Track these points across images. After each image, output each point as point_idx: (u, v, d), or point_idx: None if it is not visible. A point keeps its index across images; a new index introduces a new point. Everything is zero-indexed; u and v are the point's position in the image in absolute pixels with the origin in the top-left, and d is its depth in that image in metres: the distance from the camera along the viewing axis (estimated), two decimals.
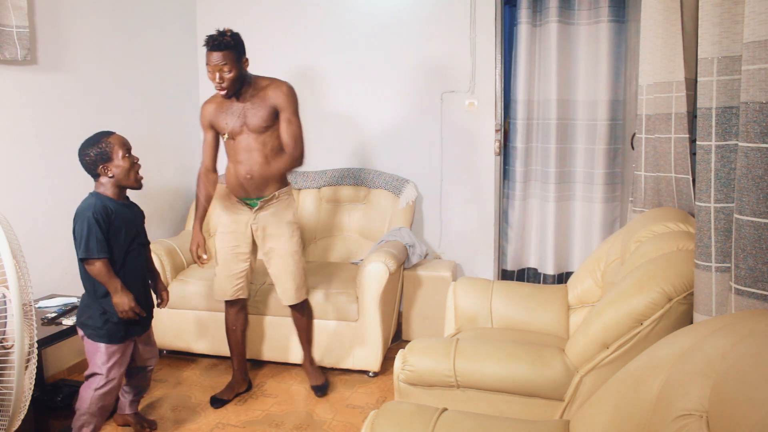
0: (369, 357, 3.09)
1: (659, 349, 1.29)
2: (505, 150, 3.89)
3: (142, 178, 2.39)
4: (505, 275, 3.93)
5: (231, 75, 2.56)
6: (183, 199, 3.99)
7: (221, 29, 2.58)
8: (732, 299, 1.36)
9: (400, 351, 1.95)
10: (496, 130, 3.73)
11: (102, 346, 2.28)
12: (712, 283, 1.49)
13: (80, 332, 2.33)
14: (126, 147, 2.33)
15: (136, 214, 2.43)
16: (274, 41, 3.98)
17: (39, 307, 2.70)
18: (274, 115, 2.68)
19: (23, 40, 2.73)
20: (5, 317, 1.75)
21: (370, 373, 3.14)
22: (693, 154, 1.97)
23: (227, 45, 2.53)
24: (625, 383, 1.31)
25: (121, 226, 2.29)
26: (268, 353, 3.22)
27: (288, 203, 2.81)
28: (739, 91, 1.37)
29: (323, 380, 2.99)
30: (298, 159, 2.70)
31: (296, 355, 3.15)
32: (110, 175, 2.29)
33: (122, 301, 2.24)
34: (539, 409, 1.80)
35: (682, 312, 1.65)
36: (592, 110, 3.63)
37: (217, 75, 2.55)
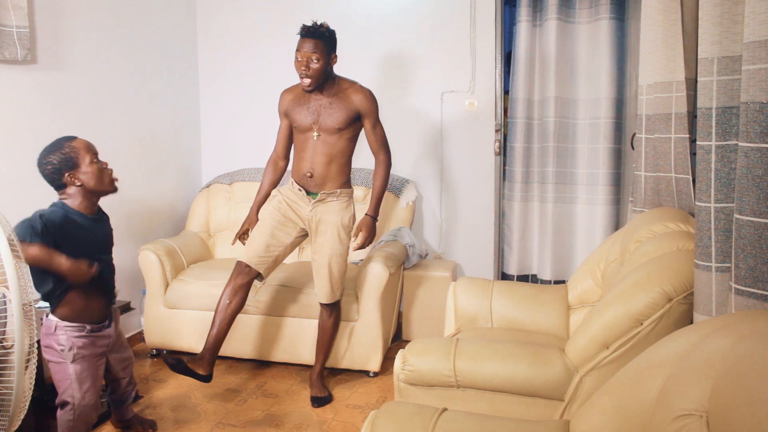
0: (369, 357, 3.09)
1: (659, 349, 1.29)
2: (504, 150, 3.88)
3: (116, 179, 2.20)
4: (506, 279, 3.89)
5: (318, 65, 2.57)
6: (183, 199, 3.99)
7: (317, 21, 2.64)
8: (732, 299, 1.36)
9: (400, 351, 1.95)
10: (496, 130, 3.73)
11: (70, 371, 2.13)
12: (712, 283, 1.49)
13: (46, 356, 2.15)
14: (92, 151, 2.13)
15: (106, 233, 2.24)
16: (274, 42, 3.97)
17: (39, 307, 2.69)
18: (352, 119, 2.71)
19: (23, 40, 2.73)
20: (5, 317, 1.75)
21: (370, 373, 3.14)
22: (693, 154, 1.97)
23: (321, 35, 2.58)
24: (625, 383, 1.31)
25: (81, 244, 2.07)
26: (274, 354, 3.21)
27: (347, 205, 2.80)
28: (739, 91, 1.37)
29: (326, 393, 2.91)
30: (389, 163, 2.83)
31: (296, 355, 3.15)
32: (78, 183, 2.09)
33: (73, 267, 1.96)
34: (539, 409, 1.80)
35: (682, 312, 1.65)
36: (592, 109, 3.61)
37: (305, 63, 2.57)
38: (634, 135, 2.70)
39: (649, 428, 1.15)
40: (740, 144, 1.31)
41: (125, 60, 3.46)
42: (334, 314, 2.91)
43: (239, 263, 2.78)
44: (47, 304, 2.70)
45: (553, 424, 1.54)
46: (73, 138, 2.14)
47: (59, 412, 2.19)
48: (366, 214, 2.84)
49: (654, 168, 2.34)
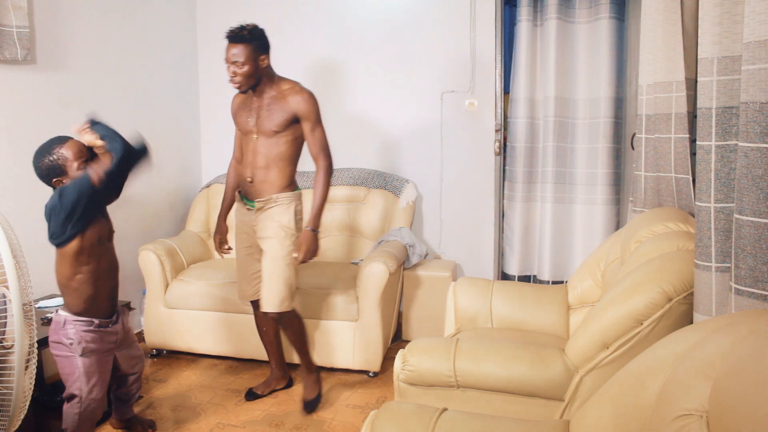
0: (369, 357, 3.09)
1: (659, 349, 1.29)
2: (505, 150, 3.88)
3: None
4: (506, 279, 3.88)
5: (243, 70, 2.52)
6: (183, 199, 3.99)
7: (244, 23, 2.56)
8: (732, 299, 1.36)
9: (400, 351, 1.95)
10: (496, 130, 3.73)
11: (79, 364, 2.17)
12: (712, 283, 1.49)
13: (54, 351, 2.21)
14: (82, 157, 2.10)
15: (109, 222, 2.29)
16: (274, 42, 3.96)
17: (39, 307, 2.70)
18: (290, 121, 2.61)
19: (23, 40, 2.73)
20: (5, 317, 1.75)
21: (370, 373, 3.14)
22: (693, 154, 1.98)
23: (242, 38, 2.51)
24: (625, 383, 1.31)
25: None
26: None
27: (287, 208, 2.66)
28: (739, 91, 1.37)
29: (316, 393, 2.82)
30: (329, 169, 2.66)
31: (296, 355, 3.15)
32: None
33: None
34: (539, 409, 1.80)
35: (682, 312, 1.65)
36: (592, 109, 3.61)
37: (231, 68, 2.53)
38: (634, 135, 2.70)
39: (649, 428, 1.14)
40: (740, 144, 1.31)
41: (125, 60, 3.46)
42: (290, 325, 2.75)
43: (244, 302, 2.97)
44: (48, 304, 2.72)
45: (553, 424, 1.54)
46: (65, 140, 2.11)
47: (66, 406, 2.21)
48: (305, 227, 2.66)
49: (654, 168, 2.34)
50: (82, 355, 2.17)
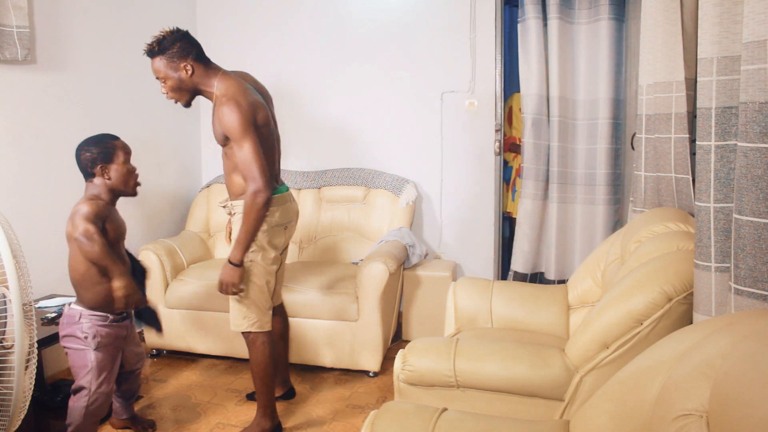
0: (369, 357, 3.09)
1: (659, 349, 1.29)
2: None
3: (139, 185, 2.37)
4: (517, 278, 3.86)
5: (168, 84, 2.34)
6: (183, 199, 3.99)
7: (160, 33, 2.32)
8: (732, 299, 1.36)
9: (400, 351, 1.95)
10: (496, 130, 3.73)
11: (92, 357, 2.22)
12: (711, 283, 1.49)
13: (66, 344, 2.25)
14: (128, 153, 2.31)
15: (123, 223, 2.40)
16: (274, 42, 3.98)
17: (39, 307, 2.70)
18: (225, 136, 2.35)
19: (23, 40, 2.73)
20: (5, 317, 1.75)
21: (370, 373, 3.14)
22: (693, 154, 1.98)
23: (152, 53, 2.32)
24: (625, 383, 1.31)
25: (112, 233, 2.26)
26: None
27: (239, 217, 2.37)
28: (739, 91, 1.37)
29: (259, 428, 2.52)
30: (255, 196, 2.23)
31: (297, 355, 3.15)
32: (107, 177, 2.25)
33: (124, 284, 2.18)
34: (539, 409, 1.80)
35: (682, 312, 1.65)
36: (591, 109, 3.61)
37: (161, 85, 2.37)
38: (634, 135, 2.70)
39: (649, 428, 1.15)
40: (739, 144, 1.31)
41: (125, 60, 3.46)
42: (252, 347, 2.46)
43: None
44: (48, 304, 2.72)
45: (553, 424, 1.54)
46: (116, 137, 2.31)
47: (72, 399, 2.24)
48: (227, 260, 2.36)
49: (654, 168, 2.34)
50: (96, 349, 2.23)
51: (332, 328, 3.11)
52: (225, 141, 2.39)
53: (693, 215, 2.05)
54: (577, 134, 3.67)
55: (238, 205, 2.40)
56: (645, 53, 2.34)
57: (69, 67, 3.09)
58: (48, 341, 2.40)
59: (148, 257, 3.26)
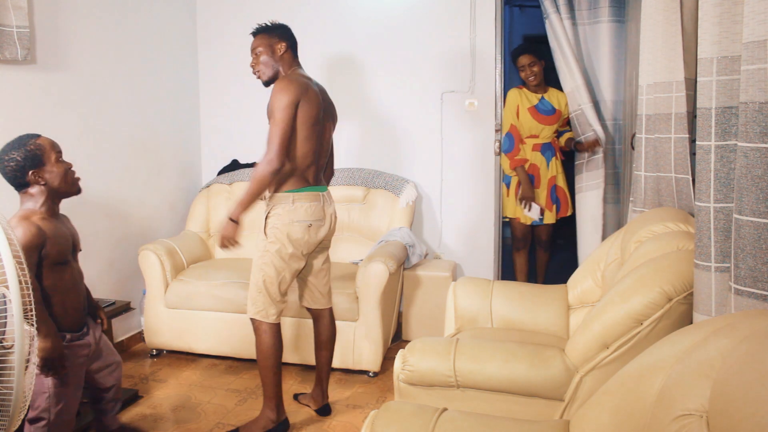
0: (369, 357, 3.09)
1: (659, 349, 1.29)
2: None
3: (79, 179, 2.08)
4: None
5: (261, 58, 2.58)
6: (183, 199, 3.99)
7: (269, 21, 2.66)
8: (732, 299, 1.36)
9: (400, 351, 1.95)
10: (496, 130, 3.73)
11: (48, 383, 1.95)
12: (711, 283, 1.49)
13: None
14: (57, 150, 2.01)
15: (74, 234, 2.11)
16: None
17: None
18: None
19: (23, 40, 2.73)
20: (5, 317, 1.75)
21: (370, 373, 3.14)
22: (693, 154, 1.98)
23: (259, 29, 2.62)
24: (625, 383, 1.31)
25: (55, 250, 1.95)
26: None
27: (272, 208, 2.50)
28: (739, 91, 1.37)
29: (266, 418, 2.57)
30: (264, 163, 2.36)
31: (297, 355, 3.15)
32: (42, 182, 1.96)
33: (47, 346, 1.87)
34: (539, 409, 1.80)
35: (682, 312, 1.65)
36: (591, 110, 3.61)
37: (252, 58, 2.61)
38: (634, 135, 2.70)
39: (649, 428, 1.15)
40: (739, 144, 1.31)
41: (125, 60, 3.46)
42: (257, 336, 2.54)
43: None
44: None
45: (553, 424, 1.54)
46: (36, 135, 2.01)
47: (29, 429, 1.98)
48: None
49: (654, 168, 2.34)
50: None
51: None
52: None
53: (693, 215, 2.05)
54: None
55: (275, 197, 2.51)
56: (645, 53, 2.34)
57: (69, 67, 3.09)
58: None
59: (148, 257, 3.26)
